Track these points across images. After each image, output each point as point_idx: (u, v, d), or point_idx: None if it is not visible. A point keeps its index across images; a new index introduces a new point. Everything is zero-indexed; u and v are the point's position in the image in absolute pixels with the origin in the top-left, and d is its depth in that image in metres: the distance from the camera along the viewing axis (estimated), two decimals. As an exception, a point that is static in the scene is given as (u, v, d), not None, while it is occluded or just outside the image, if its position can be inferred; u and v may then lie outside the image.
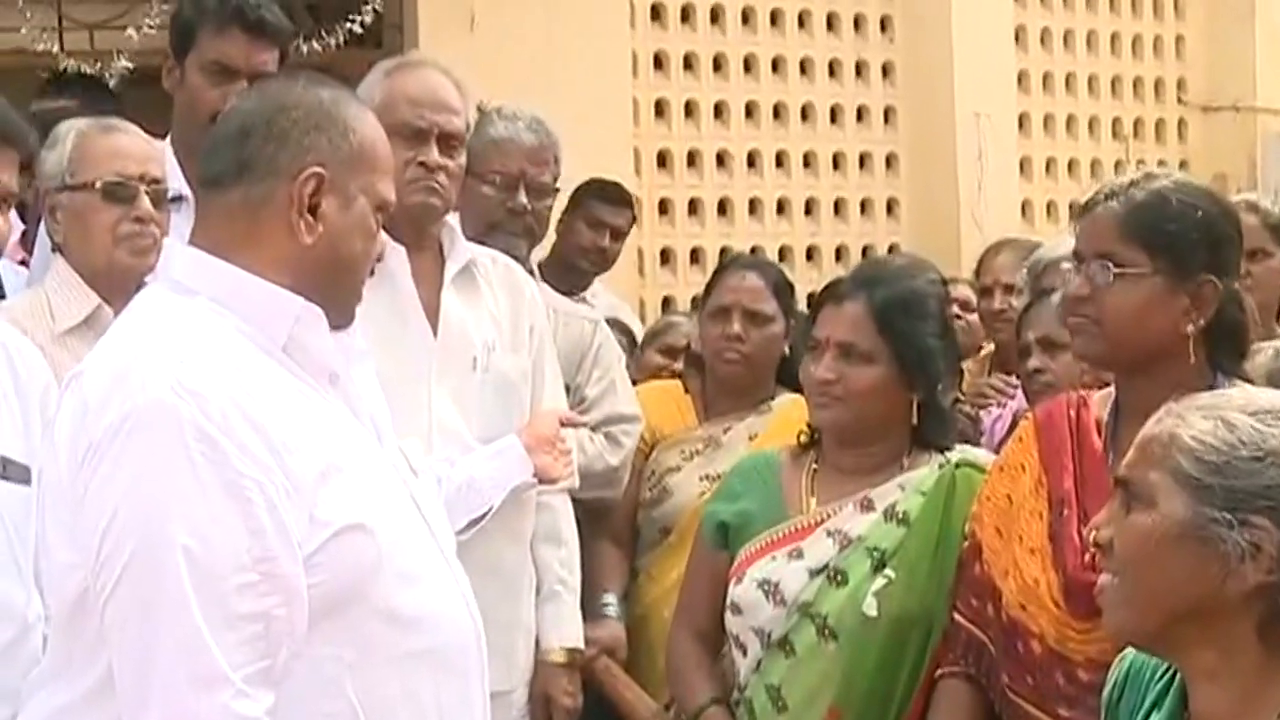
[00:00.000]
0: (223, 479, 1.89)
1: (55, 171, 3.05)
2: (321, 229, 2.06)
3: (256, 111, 2.10)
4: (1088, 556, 2.44)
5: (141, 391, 1.91)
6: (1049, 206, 7.32)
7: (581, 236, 4.93)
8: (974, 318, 4.86)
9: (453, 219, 3.49)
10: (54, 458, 1.99)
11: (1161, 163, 7.14)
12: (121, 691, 1.90)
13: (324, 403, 2.07)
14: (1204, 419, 1.80)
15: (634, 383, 3.84)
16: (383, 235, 3.03)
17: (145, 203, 2.99)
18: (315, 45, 5.42)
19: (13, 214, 4.15)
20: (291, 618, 1.93)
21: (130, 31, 5.21)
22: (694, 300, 5.55)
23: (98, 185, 2.99)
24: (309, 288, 2.06)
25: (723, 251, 6.44)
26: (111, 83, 5.21)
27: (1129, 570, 1.81)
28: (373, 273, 2.18)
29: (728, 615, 2.96)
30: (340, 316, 2.13)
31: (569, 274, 4.97)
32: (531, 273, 3.60)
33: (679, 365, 4.15)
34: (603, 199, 5.02)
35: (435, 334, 3.09)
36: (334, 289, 2.09)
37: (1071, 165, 7.42)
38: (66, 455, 1.95)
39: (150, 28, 5.28)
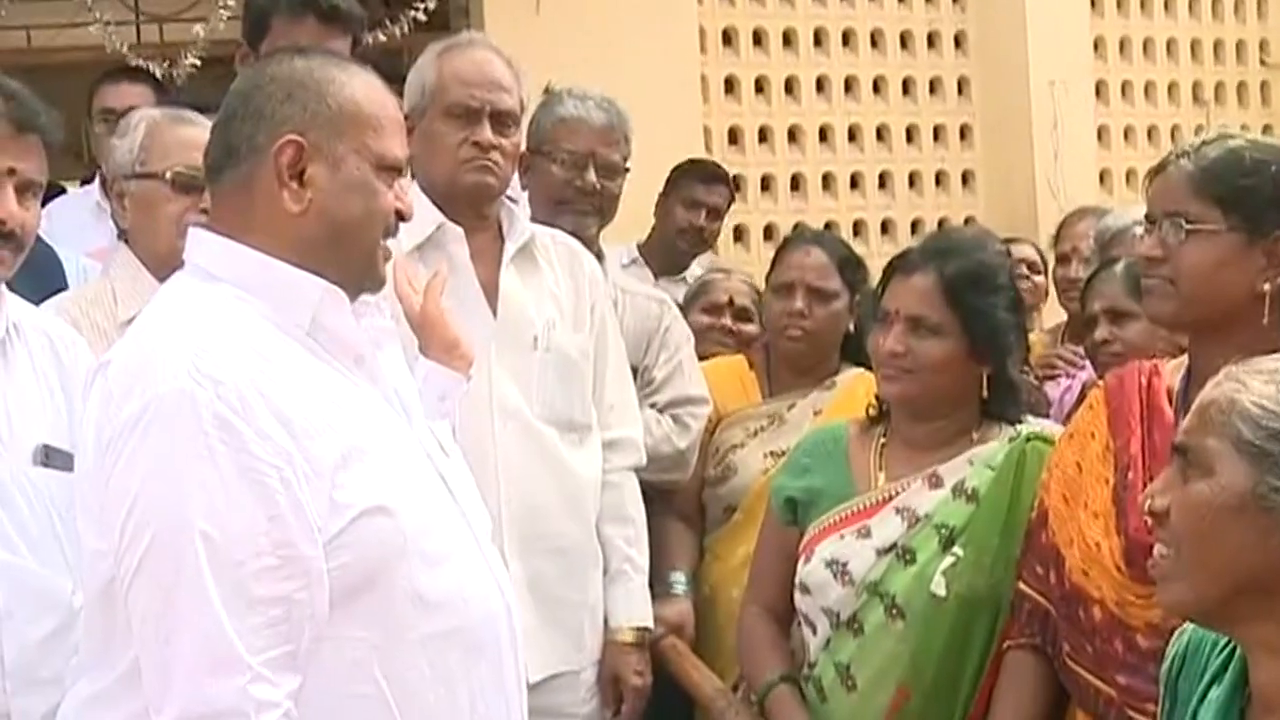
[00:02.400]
0: (240, 465, 1.90)
1: (125, 159, 3.08)
2: (310, 195, 2.06)
3: (237, 94, 2.12)
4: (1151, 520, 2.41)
5: (162, 380, 1.92)
6: (1128, 175, 7.20)
7: (678, 218, 4.92)
8: (1040, 279, 4.82)
9: (521, 197, 3.49)
10: (83, 448, 2.02)
11: (1244, 127, 7.00)
12: (145, 676, 1.92)
13: (348, 385, 2.07)
14: (1265, 383, 1.75)
15: None
16: (440, 216, 3.09)
17: None
18: (381, 33, 5.43)
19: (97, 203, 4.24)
20: (313, 601, 1.93)
21: (197, 28, 5.25)
22: (768, 277, 5.52)
23: (167, 175, 3.01)
24: (316, 258, 2.06)
25: (796, 227, 6.39)
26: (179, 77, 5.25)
27: (1185, 541, 1.77)
28: (389, 234, 2.14)
29: (797, 595, 2.94)
30: (362, 285, 2.13)
31: (669, 256, 4.96)
32: (600, 254, 3.59)
33: (728, 320, 4.13)
34: (697, 178, 5.01)
35: (495, 313, 3.10)
36: (341, 255, 2.08)
37: (1151, 132, 7.30)
38: (93, 444, 1.98)
39: (222, 19, 5.30)
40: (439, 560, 2.05)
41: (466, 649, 2.07)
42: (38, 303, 2.81)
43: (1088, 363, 3.77)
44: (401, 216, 2.14)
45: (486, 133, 3.09)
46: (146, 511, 1.90)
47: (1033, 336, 4.29)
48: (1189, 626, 1.92)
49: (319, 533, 1.94)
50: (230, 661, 1.87)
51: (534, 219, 3.33)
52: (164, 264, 3.00)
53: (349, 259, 2.09)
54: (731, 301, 4.16)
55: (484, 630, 2.10)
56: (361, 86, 2.11)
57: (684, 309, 4.16)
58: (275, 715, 1.90)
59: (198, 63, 5.15)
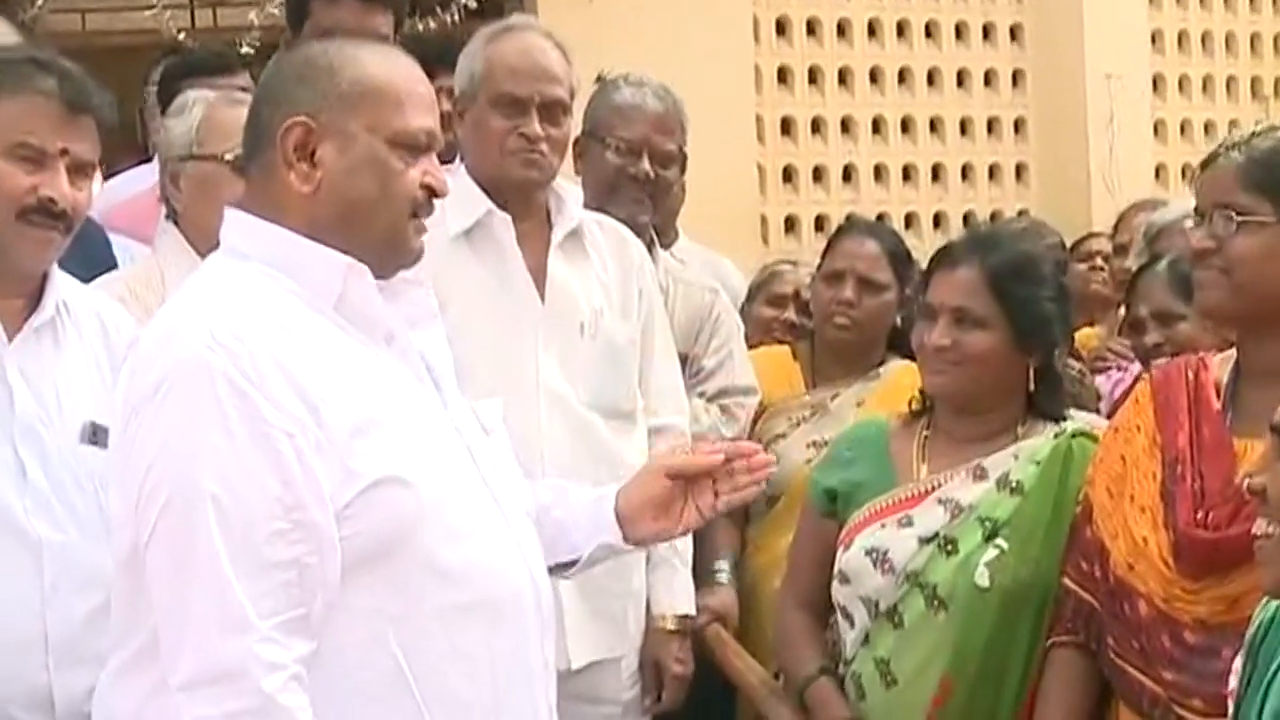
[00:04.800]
0: (253, 430, 1.93)
1: (182, 140, 3.08)
2: (320, 174, 2.07)
3: (260, 85, 2.16)
4: (1199, 514, 2.40)
5: (180, 348, 1.96)
6: (1184, 170, 7.12)
7: None
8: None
9: (574, 184, 3.48)
10: (115, 422, 2.06)
11: (1303, 122, 6.91)
12: (161, 639, 1.95)
13: (374, 359, 2.08)
14: None
15: (747, 338, 3.77)
16: (488, 202, 3.09)
17: None
18: (432, 20, 5.44)
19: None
20: (324, 566, 1.95)
21: (252, 15, 5.28)
22: (819, 266, 5.49)
23: (227, 158, 2.99)
24: (333, 236, 2.07)
25: (848, 218, 6.34)
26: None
27: None
28: (421, 212, 2.14)
29: (835, 584, 2.92)
30: (386, 262, 2.12)
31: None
32: (652, 242, 3.58)
33: (790, 314, 4.10)
34: None
35: (542, 300, 3.09)
36: (357, 233, 2.09)
37: (1208, 127, 7.22)
38: (120, 417, 2.02)
39: (275, 4, 5.32)
40: (460, 534, 2.06)
41: (488, 623, 2.07)
42: (86, 282, 2.82)
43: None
44: (435, 193, 2.13)
45: (534, 125, 3.07)
46: (161, 476, 1.93)
47: (1089, 331, 4.26)
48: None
49: (331, 500, 1.96)
50: (238, 622, 1.90)
51: (586, 205, 3.32)
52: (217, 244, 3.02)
53: (366, 236, 2.09)
54: (797, 294, 4.12)
55: (507, 606, 2.10)
56: (379, 63, 2.12)
57: (747, 301, 4.15)
58: (281, 677, 1.91)
59: (252, 50, 5.17)
